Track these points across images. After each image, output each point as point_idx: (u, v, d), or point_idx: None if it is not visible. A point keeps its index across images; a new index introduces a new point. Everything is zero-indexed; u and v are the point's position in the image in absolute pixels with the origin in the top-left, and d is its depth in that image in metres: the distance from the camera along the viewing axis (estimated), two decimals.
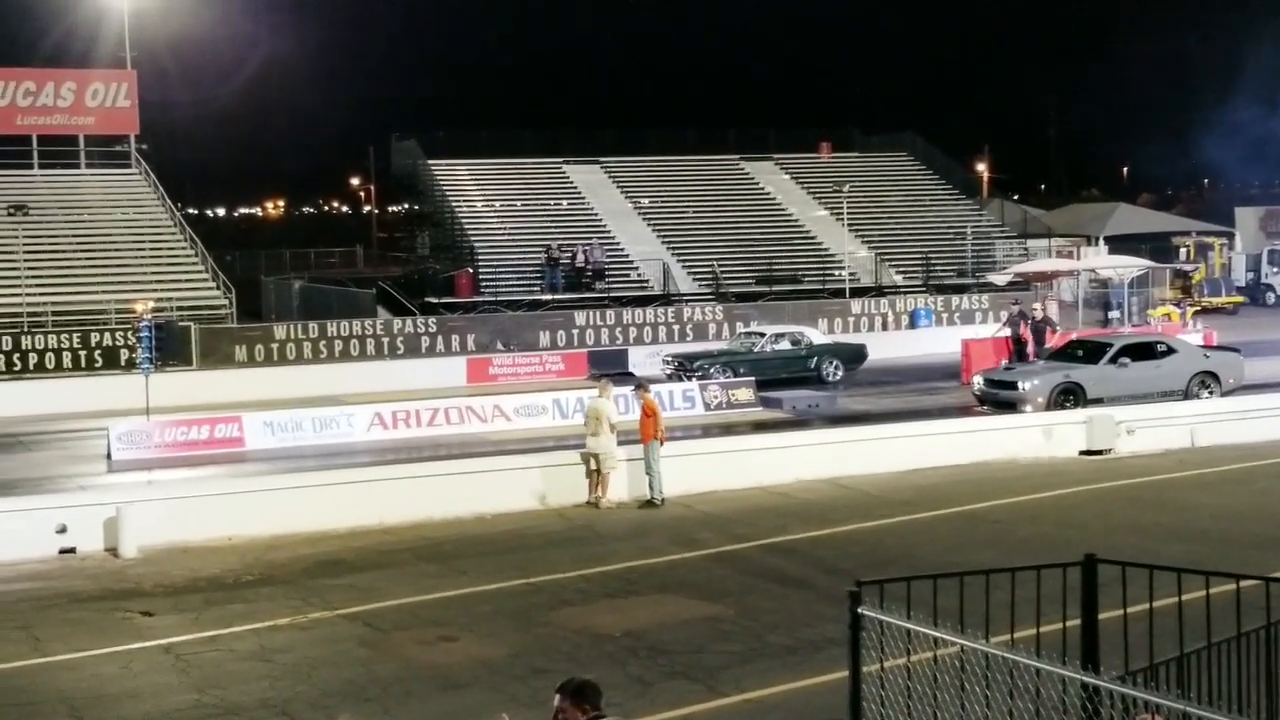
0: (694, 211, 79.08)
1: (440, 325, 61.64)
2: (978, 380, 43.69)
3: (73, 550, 26.81)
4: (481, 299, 67.01)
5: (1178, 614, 10.94)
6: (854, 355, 54.06)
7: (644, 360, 57.44)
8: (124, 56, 73.24)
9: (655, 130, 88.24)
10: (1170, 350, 43.19)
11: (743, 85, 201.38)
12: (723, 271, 72.30)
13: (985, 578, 10.82)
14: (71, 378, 53.63)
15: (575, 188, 79.89)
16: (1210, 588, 10.99)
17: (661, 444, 30.71)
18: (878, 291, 71.59)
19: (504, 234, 74.05)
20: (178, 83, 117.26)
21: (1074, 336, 48.74)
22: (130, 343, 51.79)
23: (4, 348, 54.39)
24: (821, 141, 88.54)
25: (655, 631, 20.25)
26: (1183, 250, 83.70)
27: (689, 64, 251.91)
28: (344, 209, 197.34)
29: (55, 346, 55.01)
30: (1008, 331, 50.02)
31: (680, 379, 49.37)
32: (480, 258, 70.50)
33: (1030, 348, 48.02)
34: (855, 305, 68.09)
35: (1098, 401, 40.04)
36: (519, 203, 77.89)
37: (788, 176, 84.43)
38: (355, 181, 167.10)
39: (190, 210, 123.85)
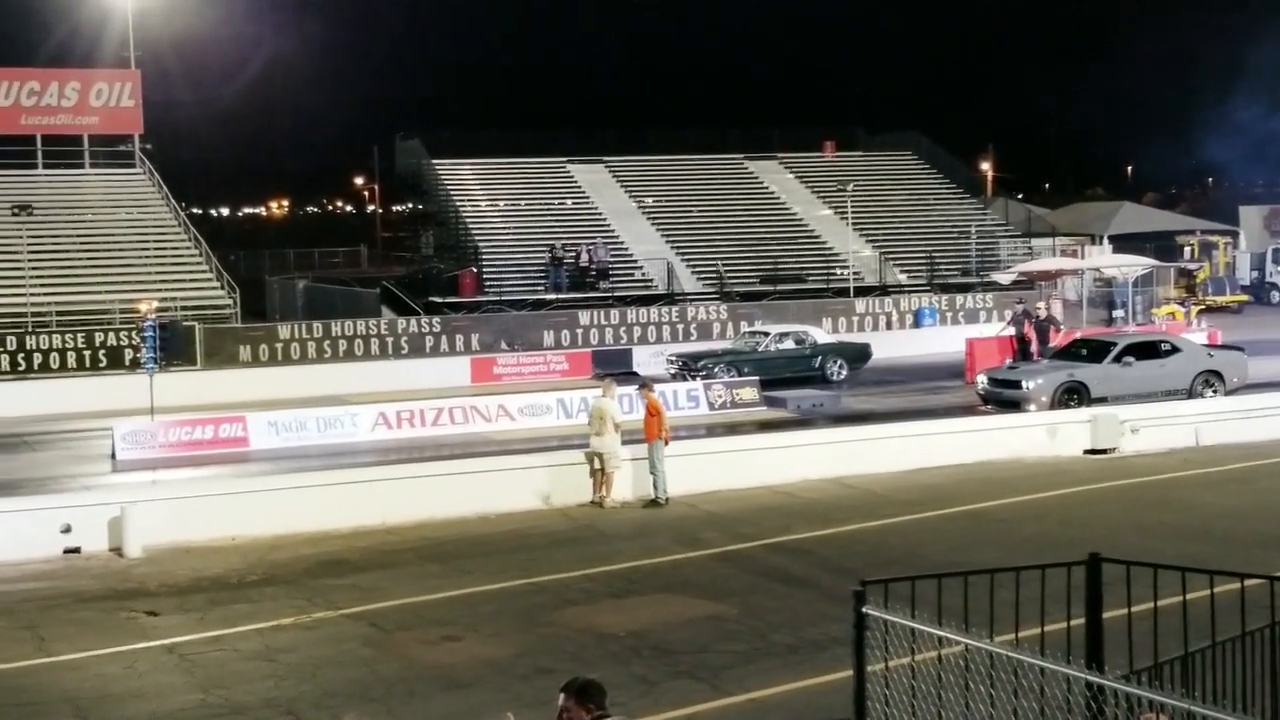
0: (698, 211, 79.03)
1: (444, 325, 61.65)
2: (982, 379, 43.68)
3: (77, 550, 26.83)
4: (486, 299, 66.99)
5: (1182, 613, 10.92)
6: (858, 354, 54.03)
7: (648, 360, 57.42)
8: (128, 56, 73.20)
9: (659, 130, 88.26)
10: (1174, 349, 43.16)
11: (746, 85, 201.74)
12: (727, 271, 72.25)
13: (990, 577, 10.81)
14: (76, 378, 53.65)
15: (579, 187, 79.87)
16: (1214, 586, 10.98)
17: (666, 443, 30.71)
18: (882, 291, 71.52)
19: (508, 233, 74.02)
20: (182, 82, 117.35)
21: (1078, 335, 48.71)
22: (135, 343, 51.79)
23: (9, 348, 54.43)
24: (825, 141, 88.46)
25: (659, 631, 20.25)
26: (1187, 249, 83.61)
27: (693, 63, 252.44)
28: (348, 209, 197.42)
29: (60, 346, 55.03)
30: (1012, 331, 49.98)
31: (684, 378, 49.36)
32: (484, 257, 70.49)
33: (1034, 347, 47.97)
34: (859, 304, 68.07)
35: (1101, 401, 40.02)
36: (523, 202, 77.87)
37: (792, 176, 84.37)
38: (359, 181, 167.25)
39: (194, 210, 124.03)
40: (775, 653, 19.08)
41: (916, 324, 67.64)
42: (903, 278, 74.74)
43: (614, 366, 54.05)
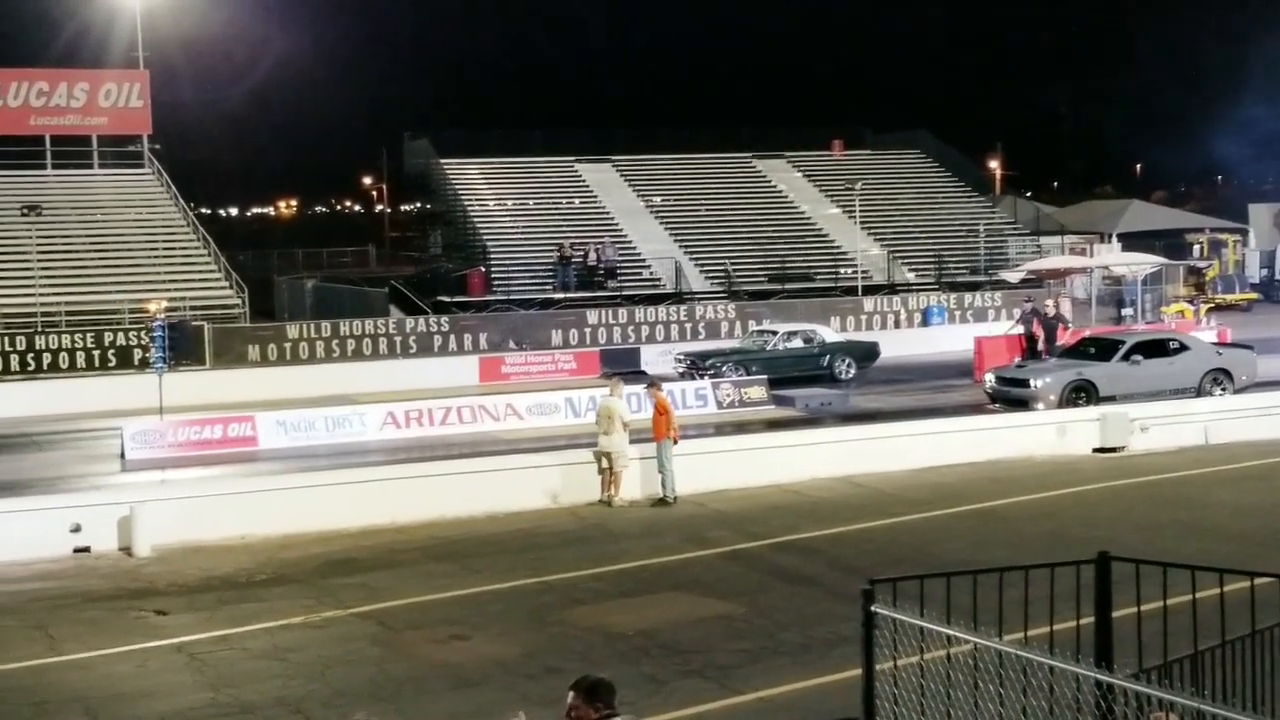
0: (706, 210, 78.99)
1: (453, 324, 61.66)
2: (990, 378, 43.64)
3: (87, 549, 26.85)
4: (494, 298, 67.02)
5: (1192, 611, 10.91)
6: (866, 353, 54.03)
7: (656, 359, 57.47)
8: (136, 57, 73.30)
9: (667, 129, 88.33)
10: (1183, 347, 43.13)
11: (755, 83, 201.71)
12: (735, 270, 72.27)
13: (999, 575, 10.81)
14: (85, 377, 53.69)
15: (587, 186, 79.86)
16: (1224, 585, 10.96)
17: (675, 442, 30.70)
18: (890, 289, 71.50)
19: (516, 233, 74.05)
20: (190, 83, 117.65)
21: (1086, 334, 48.68)
22: (144, 342, 51.85)
23: (18, 347, 54.47)
24: (834, 139, 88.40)
25: (668, 630, 20.25)
26: (1196, 247, 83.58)
27: (701, 63, 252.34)
28: (356, 208, 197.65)
29: (69, 346, 55.06)
30: (1021, 329, 49.96)
31: (693, 377, 49.38)
32: (492, 256, 70.50)
33: (1041, 345, 47.95)
34: (868, 303, 68.03)
35: (1110, 399, 40.00)
36: (531, 202, 77.90)
37: (800, 174, 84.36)
38: (368, 181, 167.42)
39: (203, 210, 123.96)
40: (784, 651, 19.08)
41: (925, 323, 67.61)
42: (911, 276, 74.70)
43: (622, 365, 54.02)
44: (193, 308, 59.57)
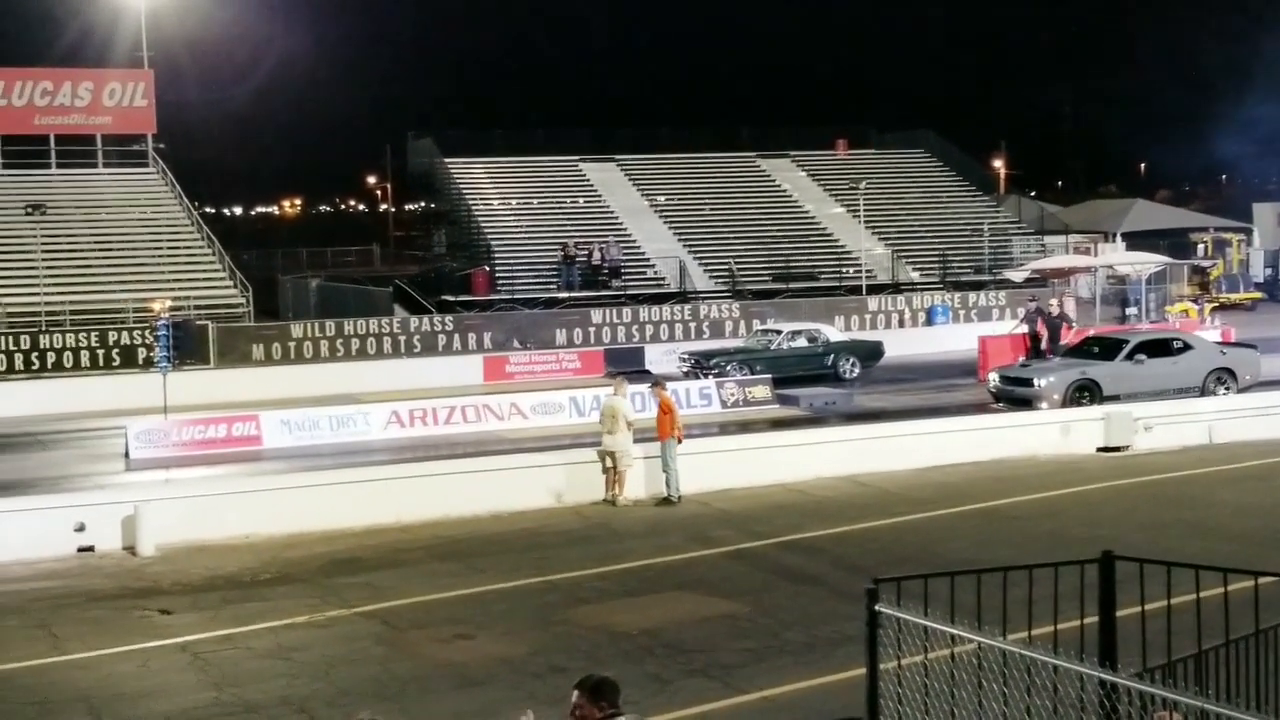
0: (710, 209, 79.01)
1: (457, 323, 61.67)
2: (993, 377, 43.61)
3: (91, 549, 26.87)
4: (498, 297, 67.04)
5: (1196, 611, 10.92)
6: (871, 352, 54.01)
7: (660, 358, 57.46)
8: (141, 56, 73.36)
9: (671, 128, 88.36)
10: (1186, 347, 43.11)
11: (759, 83, 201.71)
12: (739, 269, 72.26)
13: (1003, 575, 10.81)
14: (89, 377, 53.70)
15: (592, 186, 79.87)
16: (1228, 584, 10.97)
17: (679, 441, 30.70)
18: (894, 288, 71.46)
19: (520, 232, 74.07)
20: (195, 82, 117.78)
21: (1091, 333, 48.66)
22: (148, 341, 51.84)
23: (22, 347, 54.49)
24: (838, 139, 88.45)
25: (672, 629, 20.26)
26: (1200, 246, 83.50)
27: (705, 62, 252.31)
28: (360, 208, 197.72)
29: (73, 345, 55.08)
30: (1025, 328, 49.93)
31: (697, 376, 49.38)
32: (497, 256, 70.52)
33: (1045, 344, 47.93)
34: (872, 302, 68.01)
35: (1114, 398, 39.97)
36: (535, 201, 77.90)
37: (804, 174, 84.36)
38: (372, 180, 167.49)
39: (207, 209, 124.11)
40: (788, 651, 19.08)
41: (929, 322, 67.58)
42: (915, 275, 74.68)
43: (626, 365, 54.07)
44: (197, 307, 59.60)
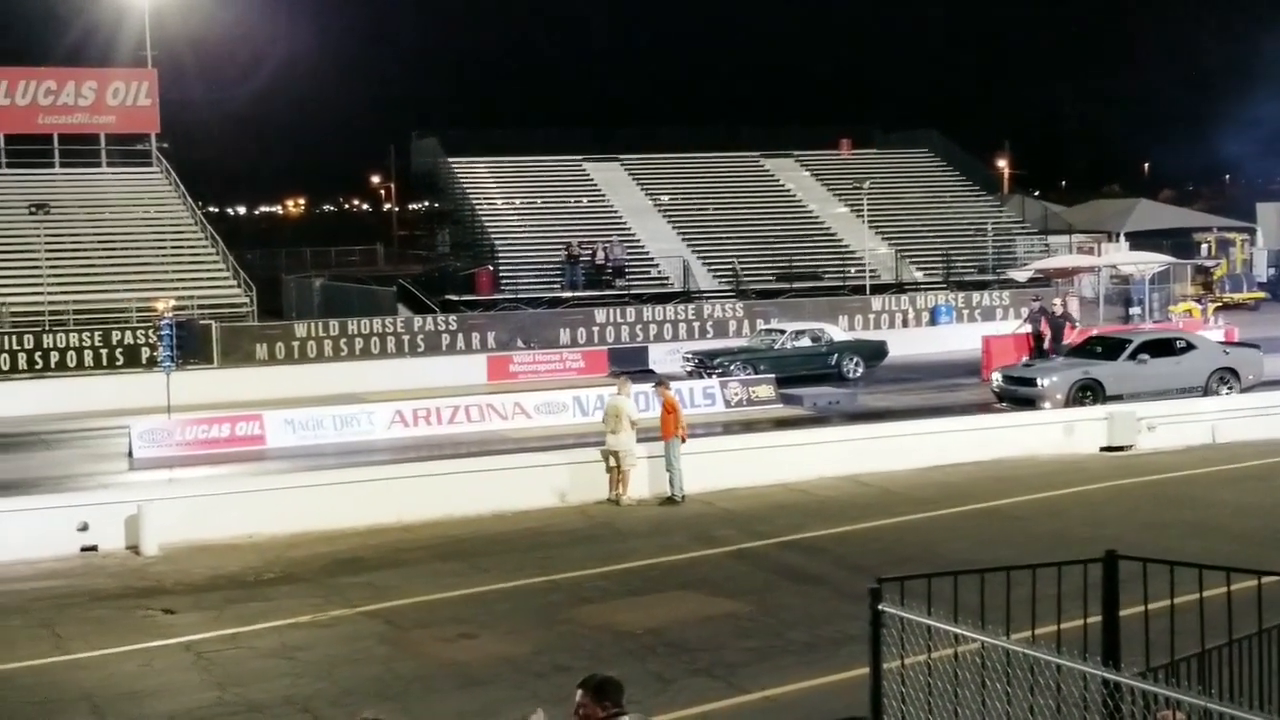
0: (714, 209, 78.99)
1: (460, 323, 61.68)
2: (996, 377, 43.63)
3: (94, 548, 26.87)
4: (502, 296, 67.03)
5: (1199, 610, 10.91)
6: (874, 352, 54.00)
7: (664, 357, 57.45)
8: (145, 55, 73.30)
9: (675, 127, 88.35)
10: (1189, 346, 43.11)
11: (761, 84, 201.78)
12: (743, 268, 72.23)
13: (1006, 574, 10.81)
14: (93, 376, 53.71)
15: (595, 185, 79.85)
16: (1231, 584, 10.97)
17: (683, 440, 30.71)
18: (898, 288, 71.44)
19: (524, 232, 74.05)
20: (198, 81, 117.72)
21: (1094, 333, 48.65)
22: (151, 341, 51.85)
23: (26, 346, 54.51)
24: (842, 138, 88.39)
25: (676, 629, 20.26)
26: (1204, 246, 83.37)
27: (709, 62, 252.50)
28: (364, 207, 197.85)
29: (77, 345, 55.09)
30: (1029, 328, 49.94)
31: (701, 376, 49.39)
32: (500, 255, 70.51)
33: (1048, 343, 47.94)
34: (875, 302, 68.00)
35: (1116, 398, 39.96)
36: (539, 200, 77.87)
37: (808, 173, 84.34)
38: (375, 179, 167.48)
39: (211, 209, 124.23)
40: (791, 650, 19.08)
41: (933, 321, 67.55)
42: (919, 275, 74.66)
43: (630, 364, 54.04)
44: (200, 306, 59.62)
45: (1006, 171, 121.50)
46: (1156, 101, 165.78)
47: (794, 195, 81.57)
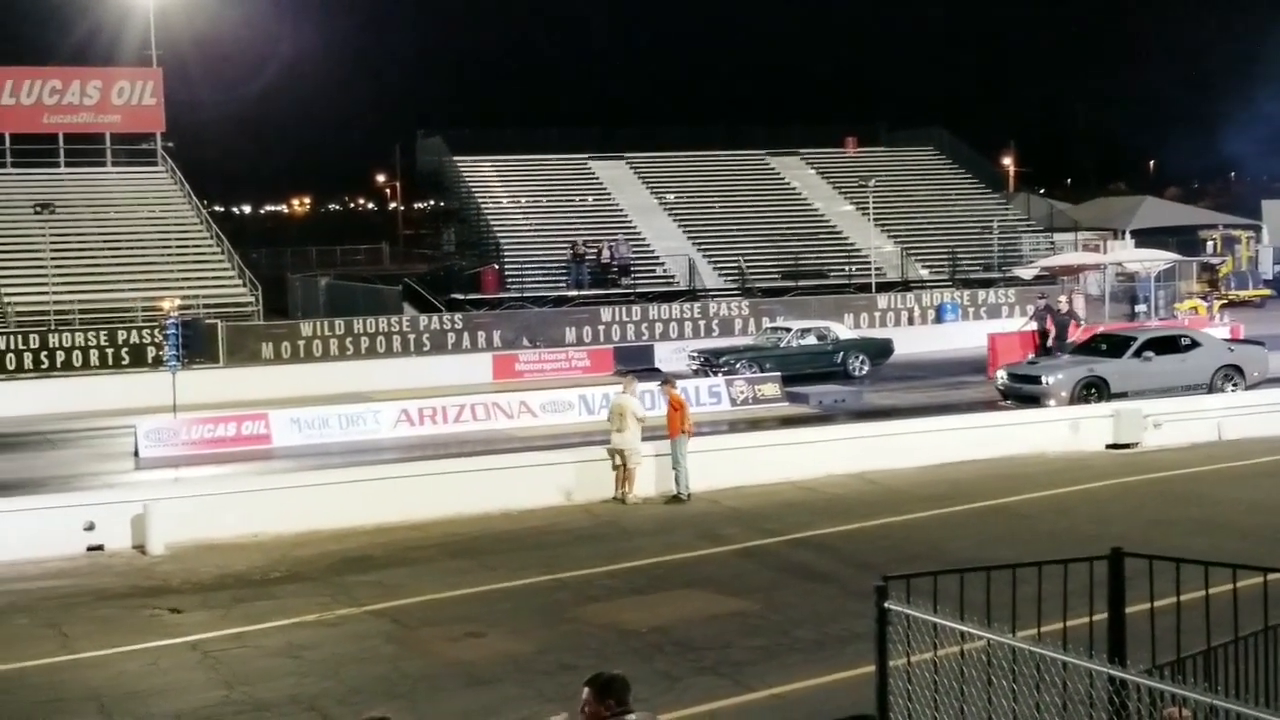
0: (720, 207, 78.96)
1: (466, 322, 61.68)
2: (1001, 375, 43.64)
3: (100, 547, 26.89)
4: (507, 295, 66.99)
5: (1205, 607, 10.91)
6: (880, 350, 54.01)
7: (670, 356, 57.42)
8: (149, 54, 73.29)
9: (680, 126, 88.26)
10: (1194, 344, 43.11)
11: (763, 83, 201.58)
12: (749, 267, 72.20)
13: (1012, 572, 10.81)
14: (99, 375, 53.72)
15: (601, 184, 79.78)
16: (1237, 581, 10.97)
17: (689, 435, 30.70)
18: (904, 286, 71.40)
19: (530, 230, 74.00)
20: (203, 81, 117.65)
21: (1100, 330, 48.64)
22: (157, 340, 51.88)
23: (31, 346, 54.53)
24: (847, 136, 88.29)
25: (682, 627, 20.27)
26: (1210, 243, 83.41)
27: (714, 60, 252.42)
28: (370, 206, 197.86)
29: (82, 344, 55.11)
30: (1034, 326, 49.95)
31: (706, 374, 49.41)
32: (506, 254, 70.47)
33: (1051, 341, 47.95)
34: (881, 300, 67.99)
35: (1121, 395, 39.95)
36: (545, 199, 77.84)
37: (813, 172, 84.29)
38: (381, 178, 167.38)
39: (216, 208, 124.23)
40: (798, 648, 19.09)
41: (938, 319, 67.54)
42: (924, 273, 74.62)
43: (636, 363, 54.05)
44: (206, 306, 59.63)
45: (1012, 169, 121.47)
46: (1162, 99, 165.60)
47: (799, 193, 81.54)
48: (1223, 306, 67.47)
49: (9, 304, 59.04)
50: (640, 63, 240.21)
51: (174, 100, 76.41)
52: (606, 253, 69.85)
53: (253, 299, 62.30)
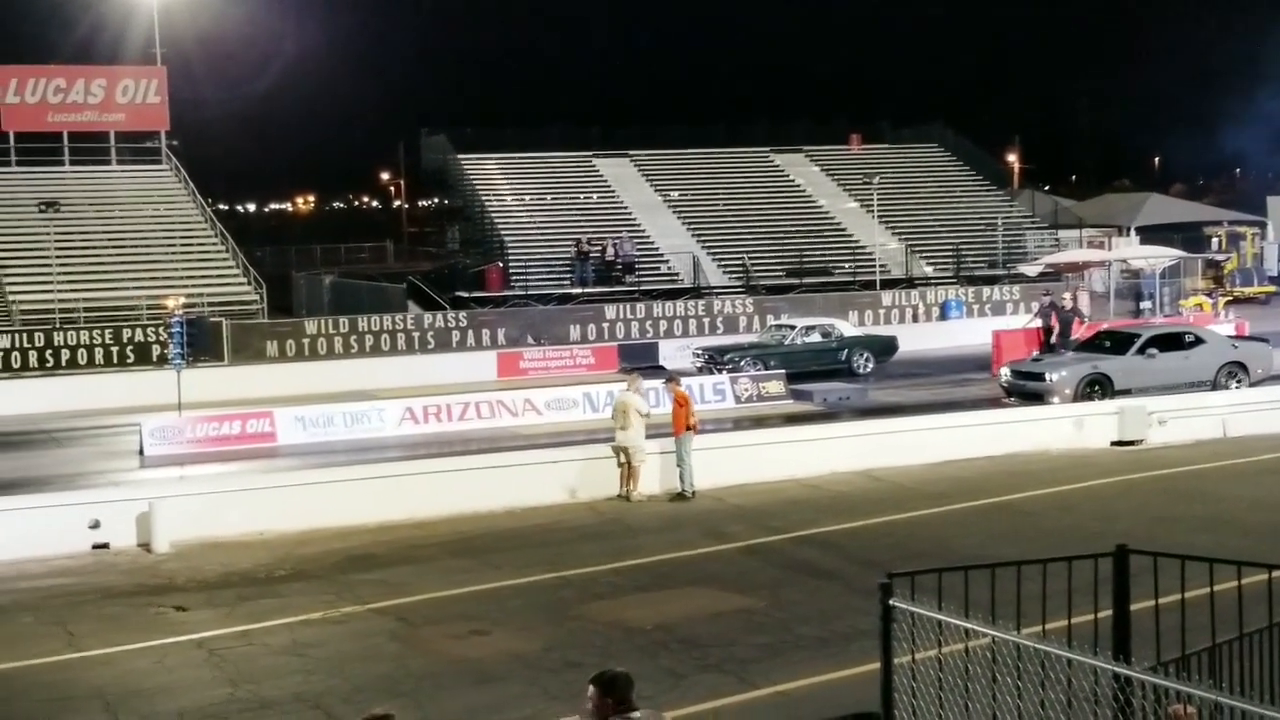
0: (724, 204, 78.99)
1: (470, 319, 61.72)
2: (1005, 372, 43.66)
3: (106, 546, 26.90)
4: (512, 293, 67.05)
5: (1210, 604, 10.91)
6: (885, 347, 53.99)
7: (674, 353, 57.38)
8: (154, 53, 73.42)
9: (684, 123, 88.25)
10: (1198, 341, 43.09)
11: (764, 83, 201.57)
12: (753, 264, 72.22)
13: (1016, 569, 10.82)
14: (103, 374, 53.78)
15: (605, 181, 79.83)
16: (1242, 578, 10.97)
17: (695, 431, 30.68)
18: (908, 283, 71.44)
19: (534, 228, 74.04)
20: (208, 79, 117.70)
21: (1104, 327, 48.62)
22: (162, 338, 51.96)
23: (37, 344, 54.60)
24: (851, 133, 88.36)
25: (687, 624, 20.27)
26: (1214, 240, 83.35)
27: (718, 58, 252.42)
28: (374, 204, 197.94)
29: (87, 343, 55.16)
30: (1039, 323, 49.94)
31: (711, 372, 49.36)
32: (510, 252, 70.50)
33: (1055, 337, 47.94)
34: (886, 297, 68.02)
35: (1125, 392, 39.92)
36: (549, 197, 77.89)
37: (818, 169, 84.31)
38: (385, 176, 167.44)
39: (221, 206, 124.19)
40: (802, 645, 19.09)
41: (943, 316, 67.55)
42: (929, 270, 74.66)
43: (640, 360, 54.07)
44: (211, 304, 59.72)
45: (1016, 166, 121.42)
46: (1167, 96, 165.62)
47: (804, 190, 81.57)
48: (1228, 303, 67.44)
49: (14, 302, 59.14)
50: (641, 63, 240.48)
51: (178, 99, 76.61)
52: (611, 250, 69.87)
53: (257, 297, 62.38)
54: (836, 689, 16.82)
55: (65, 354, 54.78)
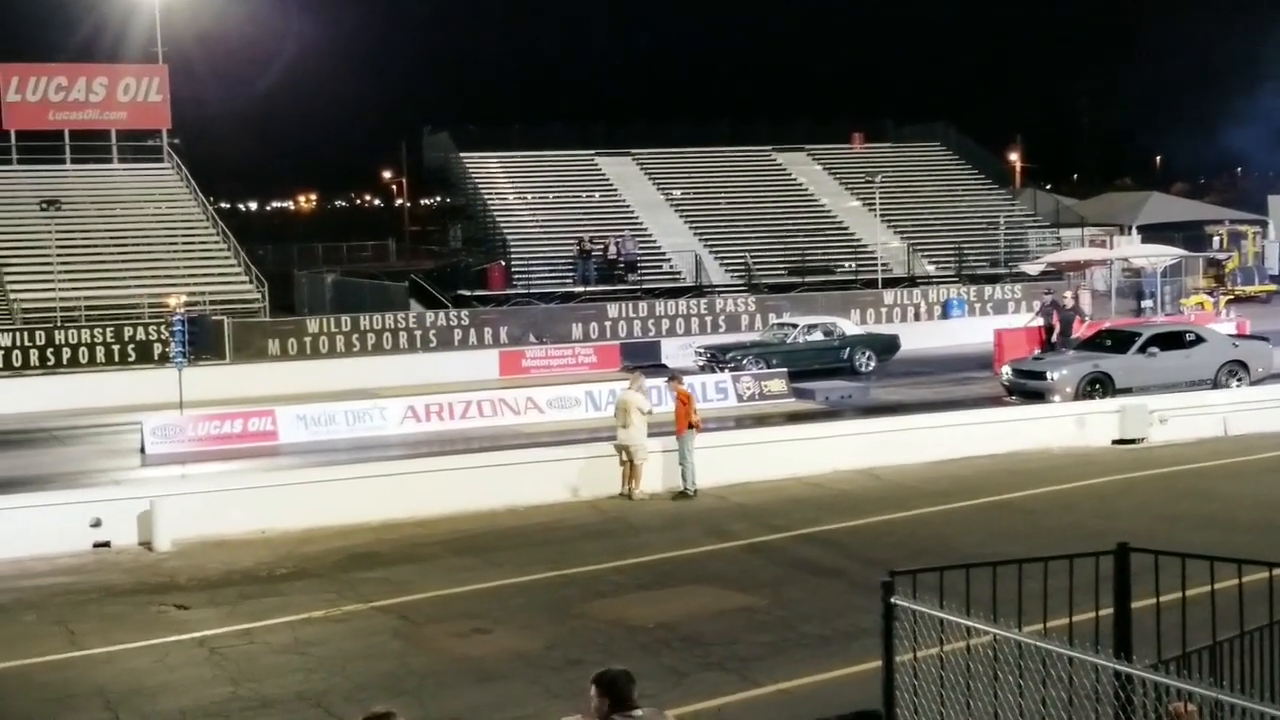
0: (726, 203, 79.05)
1: (473, 318, 61.72)
2: (1006, 370, 43.68)
3: (107, 544, 26.90)
4: (514, 291, 67.10)
5: (1210, 602, 10.92)
6: (887, 346, 54.00)
7: (677, 352, 57.38)
8: (155, 51, 73.48)
9: (686, 122, 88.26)
10: (1199, 339, 43.09)
11: (765, 83, 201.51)
12: (755, 263, 72.24)
13: (1018, 567, 10.83)
14: (105, 372, 53.78)
15: (607, 179, 79.87)
16: (1243, 576, 10.97)
17: (697, 429, 30.67)
18: (910, 282, 71.46)
19: (536, 227, 74.09)
20: (209, 77, 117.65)
21: (1105, 326, 48.62)
22: (163, 337, 51.96)
23: (38, 342, 54.60)
24: (854, 132, 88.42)
25: (689, 623, 20.27)
26: (1216, 239, 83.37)
27: (720, 56, 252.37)
28: (376, 202, 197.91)
29: (89, 341, 55.15)
30: (1041, 321, 49.95)
31: (713, 370, 49.36)
32: (512, 250, 70.54)
33: (1055, 336, 47.95)
34: (888, 296, 68.01)
35: (1126, 391, 39.92)
36: (551, 195, 77.91)
37: (820, 167, 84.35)
38: (387, 175, 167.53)
39: (222, 204, 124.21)
40: (805, 644, 19.10)
41: (945, 315, 67.56)
42: (931, 269, 74.68)
43: (642, 359, 54.03)
44: (212, 302, 59.75)
45: (1018, 165, 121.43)
46: (1169, 95, 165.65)
47: (806, 189, 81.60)
48: (1229, 302, 67.42)
49: (15, 301, 59.16)
50: (644, 62, 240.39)
51: (180, 97, 76.66)
52: (613, 249, 69.91)
53: (259, 295, 62.41)
54: (838, 687, 16.82)
55: (67, 352, 54.77)
